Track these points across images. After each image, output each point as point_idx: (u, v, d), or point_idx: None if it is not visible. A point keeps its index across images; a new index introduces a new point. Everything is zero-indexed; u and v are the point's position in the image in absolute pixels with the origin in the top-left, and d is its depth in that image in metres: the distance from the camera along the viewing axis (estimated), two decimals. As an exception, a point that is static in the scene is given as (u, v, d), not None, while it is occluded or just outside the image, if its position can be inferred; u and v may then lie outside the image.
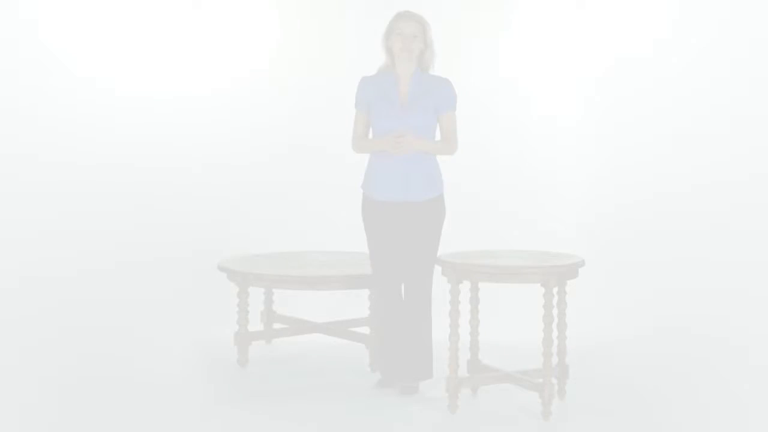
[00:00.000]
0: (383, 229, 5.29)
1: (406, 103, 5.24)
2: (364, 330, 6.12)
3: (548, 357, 4.84)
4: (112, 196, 6.80)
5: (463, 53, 6.95)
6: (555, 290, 5.14)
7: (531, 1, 6.98)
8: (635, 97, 6.76)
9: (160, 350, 6.00)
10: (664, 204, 6.63)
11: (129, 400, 5.13)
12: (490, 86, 7.00)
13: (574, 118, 6.94)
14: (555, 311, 5.57)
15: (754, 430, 4.80)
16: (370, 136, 5.36)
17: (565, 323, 5.09)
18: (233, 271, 5.72)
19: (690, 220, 6.53)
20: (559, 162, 6.93)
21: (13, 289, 6.43)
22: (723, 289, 6.28)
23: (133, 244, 6.78)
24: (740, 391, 5.29)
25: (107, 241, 6.74)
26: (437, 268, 5.20)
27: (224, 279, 6.20)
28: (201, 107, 6.98)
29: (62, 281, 6.54)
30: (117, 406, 5.04)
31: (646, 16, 6.76)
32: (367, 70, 5.46)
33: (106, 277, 6.63)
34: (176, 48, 6.97)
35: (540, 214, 6.88)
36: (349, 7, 7.01)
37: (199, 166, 6.94)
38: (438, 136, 5.36)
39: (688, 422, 4.87)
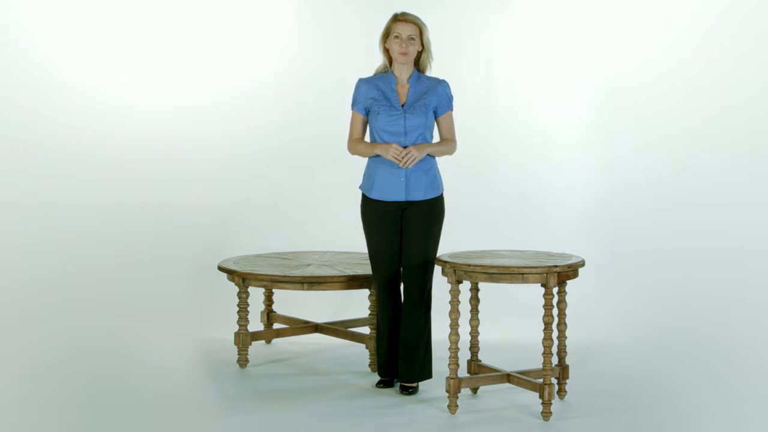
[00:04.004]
0: (383, 229, 5.28)
1: (406, 105, 5.24)
2: (364, 330, 6.12)
3: (548, 357, 4.84)
4: (111, 195, 6.79)
5: (463, 53, 6.94)
6: (555, 290, 5.14)
7: (531, 1, 6.97)
8: (635, 97, 6.76)
9: (160, 350, 6.00)
10: (664, 204, 6.63)
11: (129, 399, 5.13)
12: (490, 86, 7.00)
13: (574, 118, 6.93)
14: (555, 311, 5.58)
15: (754, 430, 4.80)
16: (368, 137, 5.36)
17: (565, 323, 5.09)
18: (233, 271, 5.72)
19: (690, 220, 6.53)
20: (558, 162, 6.92)
21: (12, 289, 6.43)
22: (723, 289, 6.28)
23: (133, 244, 6.77)
24: (740, 391, 5.29)
25: (107, 241, 6.74)
26: (437, 268, 5.20)
27: (224, 279, 6.21)
28: (202, 107, 6.97)
29: (62, 281, 6.54)
30: (117, 405, 5.04)
31: (645, 16, 6.75)
32: (368, 70, 5.46)
33: (107, 277, 6.63)
34: (176, 49, 6.96)
35: (540, 214, 6.87)
36: (349, 8, 7.01)
37: (199, 166, 6.94)
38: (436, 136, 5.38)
39: (688, 422, 4.86)
